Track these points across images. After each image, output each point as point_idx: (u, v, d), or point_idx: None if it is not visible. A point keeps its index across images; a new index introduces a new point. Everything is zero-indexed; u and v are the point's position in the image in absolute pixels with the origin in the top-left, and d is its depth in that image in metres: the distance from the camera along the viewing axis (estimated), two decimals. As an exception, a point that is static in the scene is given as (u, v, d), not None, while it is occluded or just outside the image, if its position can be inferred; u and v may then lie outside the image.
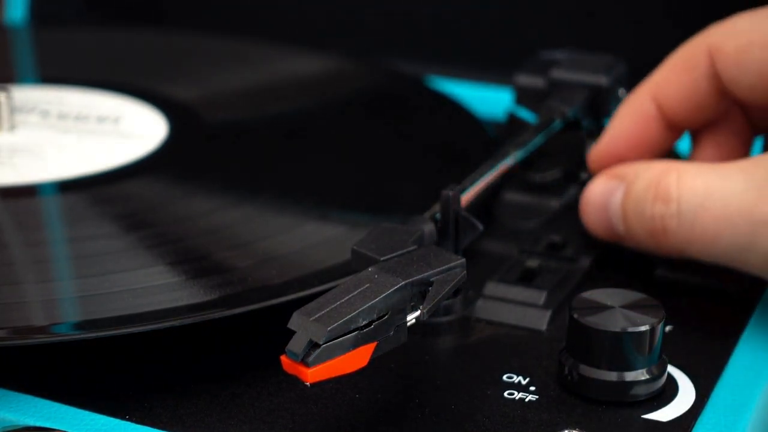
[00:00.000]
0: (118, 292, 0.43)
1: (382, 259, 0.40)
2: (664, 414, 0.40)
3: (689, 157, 0.51)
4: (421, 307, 0.39)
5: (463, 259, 0.41)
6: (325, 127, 0.59)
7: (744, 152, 0.50)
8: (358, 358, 0.38)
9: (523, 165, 0.52)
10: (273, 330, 0.44)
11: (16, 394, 0.41)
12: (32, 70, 0.65)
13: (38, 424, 0.39)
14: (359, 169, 0.54)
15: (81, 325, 0.41)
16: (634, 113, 0.50)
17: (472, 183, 0.46)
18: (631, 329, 0.40)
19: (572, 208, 0.53)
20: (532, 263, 0.48)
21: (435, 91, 0.63)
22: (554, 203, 0.53)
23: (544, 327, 0.45)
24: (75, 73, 0.63)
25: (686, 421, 0.40)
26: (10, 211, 0.49)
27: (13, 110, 0.57)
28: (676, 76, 0.49)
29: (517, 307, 0.45)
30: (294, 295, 0.42)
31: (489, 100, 0.63)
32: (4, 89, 0.56)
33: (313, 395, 0.41)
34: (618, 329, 0.40)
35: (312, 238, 0.47)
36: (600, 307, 0.41)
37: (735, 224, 0.43)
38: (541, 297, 0.45)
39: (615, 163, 0.49)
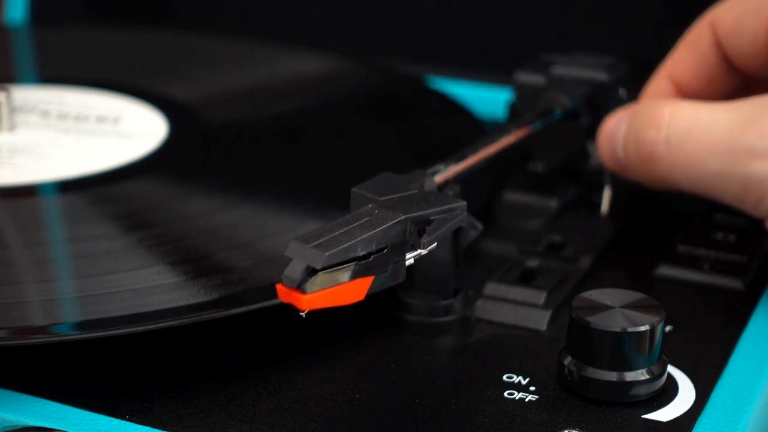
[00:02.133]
0: (118, 292, 0.43)
1: (382, 199, 0.40)
2: (664, 414, 0.40)
3: None
4: (421, 240, 0.39)
5: (465, 203, 0.41)
6: (325, 127, 0.59)
7: None
8: (355, 290, 0.38)
9: (523, 156, 0.52)
10: (273, 330, 0.44)
11: (16, 394, 0.41)
12: (32, 70, 0.65)
13: (38, 424, 0.39)
14: (359, 169, 0.54)
15: (81, 326, 0.41)
16: (654, 95, 0.52)
17: (459, 159, 0.46)
18: (631, 329, 0.40)
19: (572, 208, 0.53)
20: (532, 263, 0.48)
21: (435, 91, 0.63)
22: (554, 203, 0.53)
23: (544, 327, 0.45)
24: (75, 73, 0.63)
25: (686, 421, 0.40)
26: (10, 211, 0.49)
27: (13, 110, 0.57)
28: (686, 53, 0.51)
29: (517, 307, 0.45)
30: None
31: (489, 100, 0.63)
32: (4, 89, 0.56)
33: (313, 395, 0.41)
34: (618, 329, 0.40)
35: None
36: (600, 307, 0.41)
37: (717, 151, 0.45)
38: (541, 297, 0.45)
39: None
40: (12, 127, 0.56)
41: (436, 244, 0.40)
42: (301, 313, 0.37)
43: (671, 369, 0.42)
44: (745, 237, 0.50)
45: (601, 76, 0.53)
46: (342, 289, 0.38)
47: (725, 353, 0.44)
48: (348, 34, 0.74)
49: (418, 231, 0.40)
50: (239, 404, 0.40)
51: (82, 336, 0.40)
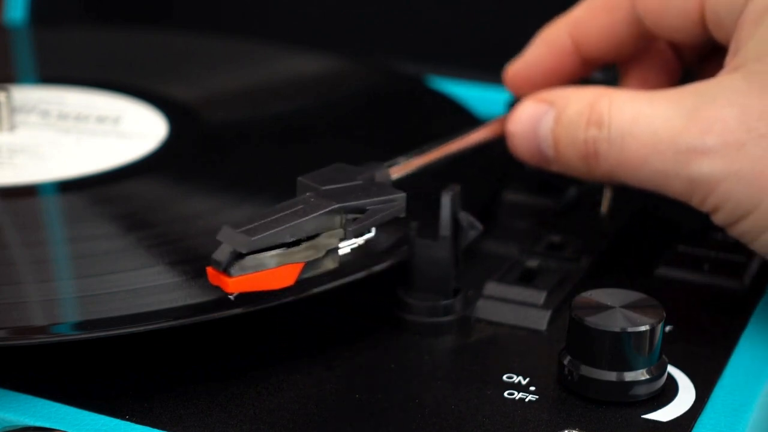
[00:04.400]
0: (118, 292, 0.43)
1: (323, 188, 0.41)
2: (664, 414, 0.40)
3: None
4: (347, 229, 0.40)
5: (404, 194, 0.42)
6: (325, 127, 0.59)
7: (670, 84, 0.51)
8: (285, 276, 0.39)
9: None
10: (273, 330, 0.44)
11: (16, 394, 0.41)
12: (32, 70, 0.65)
13: (38, 424, 0.39)
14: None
15: (81, 326, 0.41)
16: (549, 45, 0.51)
17: (420, 153, 0.47)
18: (631, 329, 0.40)
19: (572, 208, 0.53)
20: (532, 263, 0.48)
21: (435, 91, 0.63)
22: (554, 203, 0.53)
23: (544, 327, 0.45)
24: (75, 73, 0.63)
25: (686, 421, 0.40)
26: (10, 211, 0.49)
27: (13, 110, 0.57)
28: (596, 17, 0.50)
29: (517, 307, 0.45)
30: (294, 296, 0.42)
31: (489, 100, 0.63)
32: (4, 89, 0.56)
33: (313, 395, 0.41)
34: (618, 329, 0.40)
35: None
36: (600, 307, 0.41)
37: (660, 151, 0.44)
38: (541, 297, 0.45)
39: (529, 85, 0.51)
40: (12, 127, 0.56)
41: (373, 233, 0.41)
42: (230, 296, 0.38)
43: (671, 369, 0.42)
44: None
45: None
46: (270, 274, 0.39)
47: (725, 353, 0.44)
48: (348, 34, 0.74)
49: (355, 220, 0.40)
50: (239, 404, 0.40)
51: (83, 336, 0.40)
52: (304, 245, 0.39)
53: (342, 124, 0.59)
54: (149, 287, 0.43)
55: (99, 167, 0.52)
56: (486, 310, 0.45)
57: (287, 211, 0.39)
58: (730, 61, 0.45)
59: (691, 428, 0.39)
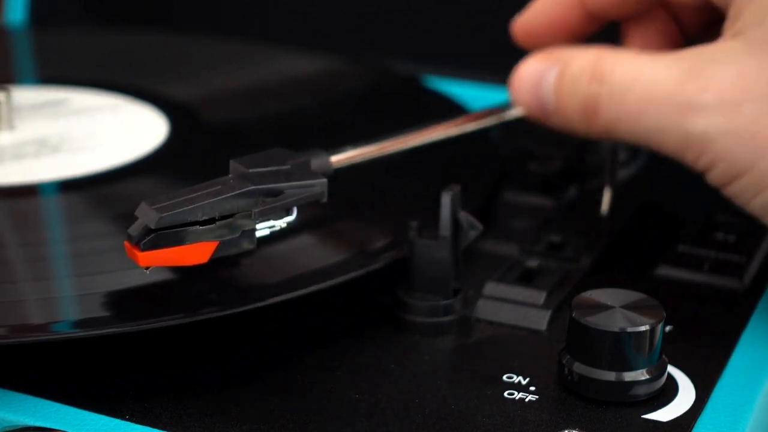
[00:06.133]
0: (117, 291, 0.43)
1: (251, 171, 0.41)
2: (664, 414, 0.40)
3: None
4: (253, 210, 0.41)
5: (325, 180, 0.42)
6: (325, 127, 0.59)
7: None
8: (198, 253, 0.40)
9: (525, 157, 0.52)
10: (273, 330, 0.44)
11: (16, 394, 0.41)
12: (32, 70, 0.65)
13: (38, 424, 0.39)
14: (358, 169, 0.54)
15: (80, 324, 0.41)
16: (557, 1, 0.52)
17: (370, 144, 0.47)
18: (631, 329, 0.40)
19: (572, 208, 0.53)
20: (532, 263, 0.48)
21: (434, 92, 0.63)
22: (554, 203, 0.53)
23: (544, 327, 0.45)
24: (75, 73, 0.63)
25: (686, 421, 0.40)
26: (10, 211, 0.49)
27: (12, 110, 0.57)
28: None
29: (517, 307, 0.45)
30: (293, 294, 0.42)
31: (489, 100, 0.63)
32: (4, 89, 0.56)
33: (313, 395, 0.41)
34: (618, 329, 0.40)
35: (311, 236, 0.47)
36: (600, 307, 0.41)
37: (658, 105, 0.44)
38: (541, 297, 0.45)
39: (536, 39, 0.52)
40: (12, 127, 0.56)
41: (293, 217, 0.42)
42: (146, 270, 0.39)
43: (671, 369, 0.42)
44: (745, 237, 0.50)
45: None
46: (182, 250, 0.39)
47: (725, 353, 0.44)
48: (348, 34, 0.74)
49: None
50: (239, 404, 0.40)
51: (81, 334, 0.40)
52: (217, 224, 0.40)
53: (341, 125, 0.59)
54: (150, 286, 0.43)
55: (99, 167, 0.52)
56: (486, 310, 0.45)
57: (204, 191, 0.40)
58: (729, 27, 0.45)
59: (691, 428, 0.39)
